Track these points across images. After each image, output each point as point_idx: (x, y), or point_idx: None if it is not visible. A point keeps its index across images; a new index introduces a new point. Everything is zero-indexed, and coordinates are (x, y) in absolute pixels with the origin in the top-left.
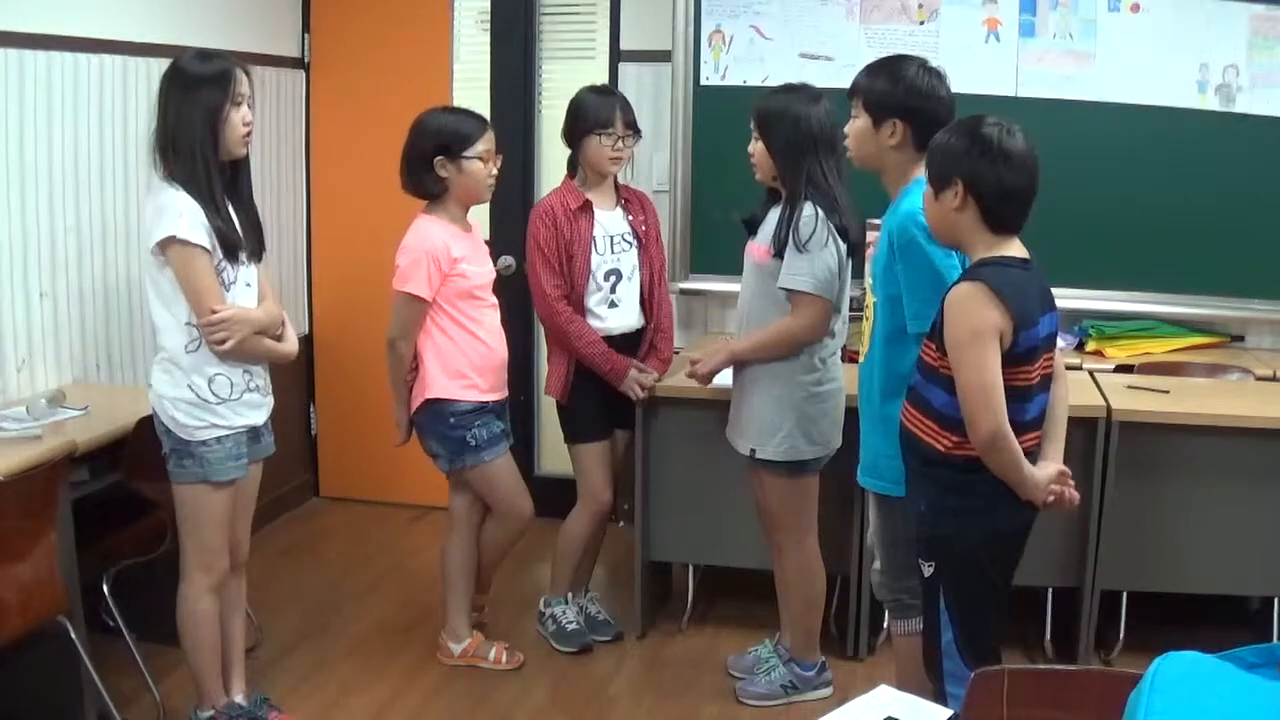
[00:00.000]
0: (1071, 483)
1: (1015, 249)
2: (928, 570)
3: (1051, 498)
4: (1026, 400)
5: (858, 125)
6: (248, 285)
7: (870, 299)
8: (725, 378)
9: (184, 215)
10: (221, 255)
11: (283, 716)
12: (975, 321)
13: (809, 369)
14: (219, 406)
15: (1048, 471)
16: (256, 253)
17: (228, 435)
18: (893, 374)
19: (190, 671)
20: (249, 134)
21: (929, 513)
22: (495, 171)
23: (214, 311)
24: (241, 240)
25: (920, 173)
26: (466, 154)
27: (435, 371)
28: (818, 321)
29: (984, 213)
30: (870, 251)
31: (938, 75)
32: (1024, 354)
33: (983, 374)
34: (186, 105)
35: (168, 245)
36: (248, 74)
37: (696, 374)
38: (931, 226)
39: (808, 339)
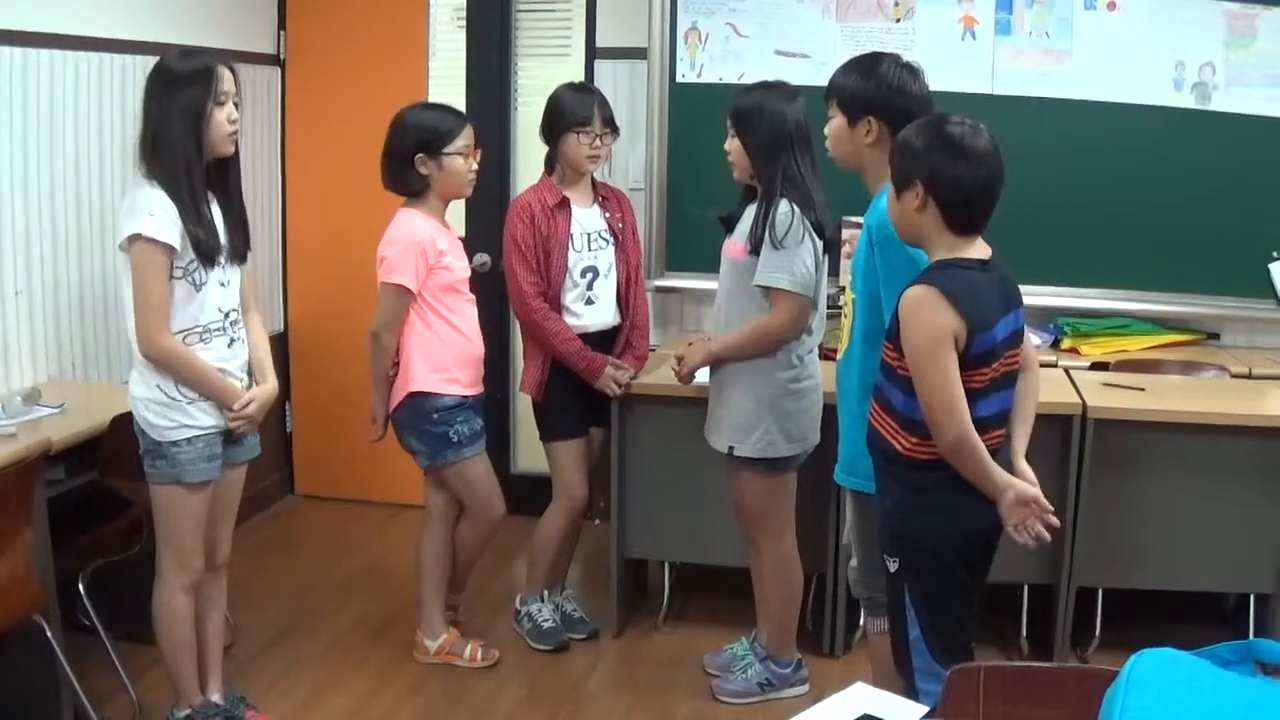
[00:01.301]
0: (1048, 515)
1: (977, 249)
2: (893, 566)
3: (1019, 521)
4: (982, 398)
5: (834, 125)
6: (222, 285)
7: (849, 296)
8: (704, 375)
9: (155, 214)
10: (193, 257)
11: (259, 715)
12: (929, 328)
13: (786, 366)
14: (189, 406)
15: (1020, 489)
16: (240, 253)
17: (199, 436)
18: (870, 371)
19: (166, 670)
20: (235, 132)
21: (895, 509)
22: (476, 166)
23: (234, 411)
24: (219, 244)
25: None
26: (447, 150)
27: (419, 365)
28: (796, 318)
29: (945, 214)
30: (847, 249)
31: (911, 71)
32: (979, 356)
33: (944, 383)
34: (169, 104)
35: (133, 242)
36: (234, 72)
37: (678, 375)
38: (895, 227)
39: (786, 336)
